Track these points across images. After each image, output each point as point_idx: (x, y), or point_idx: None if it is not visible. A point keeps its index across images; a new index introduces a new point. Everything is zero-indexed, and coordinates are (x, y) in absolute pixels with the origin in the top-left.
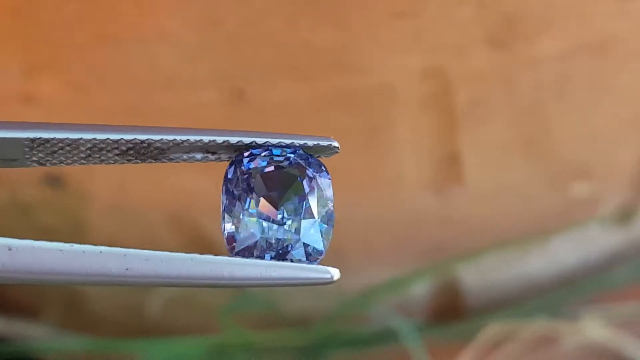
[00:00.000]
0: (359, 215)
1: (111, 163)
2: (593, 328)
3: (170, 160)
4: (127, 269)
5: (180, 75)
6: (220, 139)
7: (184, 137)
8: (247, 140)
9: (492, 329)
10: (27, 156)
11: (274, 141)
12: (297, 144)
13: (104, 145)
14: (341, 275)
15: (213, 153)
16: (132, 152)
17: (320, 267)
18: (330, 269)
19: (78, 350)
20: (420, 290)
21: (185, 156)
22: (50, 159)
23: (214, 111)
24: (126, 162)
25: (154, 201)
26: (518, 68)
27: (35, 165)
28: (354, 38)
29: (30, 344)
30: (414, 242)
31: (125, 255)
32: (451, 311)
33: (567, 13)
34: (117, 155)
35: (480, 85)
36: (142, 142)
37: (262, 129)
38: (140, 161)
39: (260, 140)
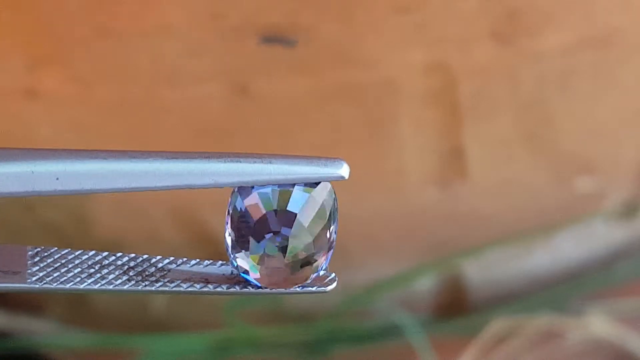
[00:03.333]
0: (362, 210)
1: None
2: (597, 323)
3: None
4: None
5: (183, 69)
6: None
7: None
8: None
9: (496, 324)
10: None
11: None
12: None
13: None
14: (344, 270)
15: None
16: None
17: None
18: (327, 288)
19: (82, 345)
20: (424, 285)
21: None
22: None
23: (217, 105)
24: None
25: (158, 197)
26: (522, 62)
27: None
28: (358, 32)
29: (35, 339)
30: (418, 237)
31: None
32: (455, 306)
33: (571, 7)
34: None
35: (484, 80)
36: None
37: (265, 123)
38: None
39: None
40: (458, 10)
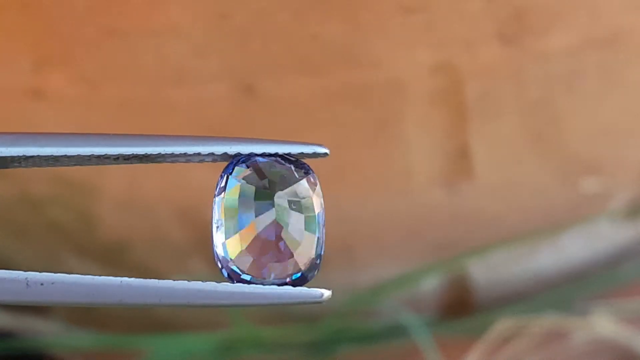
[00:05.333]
0: (368, 211)
1: (107, 165)
2: (603, 323)
3: (167, 162)
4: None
5: (189, 69)
6: (205, 152)
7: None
8: (232, 150)
9: (501, 325)
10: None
11: (259, 151)
12: (281, 153)
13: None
14: (349, 269)
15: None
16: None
17: (310, 291)
18: (321, 290)
19: (88, 345)
20: (430, 285)
21: (182, 159)
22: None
23: (223, 106)
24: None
25: (164, 197)
26: (528, 62)
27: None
28: (364, 32)
29: (40, 339)
30: (424, 237)
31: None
32: (461, 306)
33: (577, 6)
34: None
35: (490, 80)
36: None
37: (271, 123)
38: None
39: (245, 150)
40: (464, 10)
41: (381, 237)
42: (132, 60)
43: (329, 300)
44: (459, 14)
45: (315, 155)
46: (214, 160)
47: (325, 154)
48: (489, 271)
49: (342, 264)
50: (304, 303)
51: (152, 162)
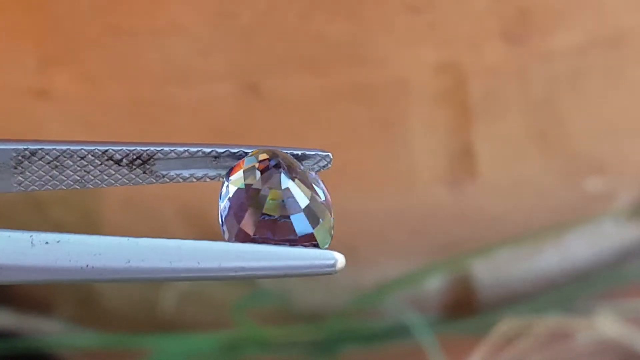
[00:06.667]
0: (372, 210)
1: (112, 183)
2: (606, 323)
3: (171, 179)
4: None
5: (194, 68)
6: (207, 150)
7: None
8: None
9: (505, 324)
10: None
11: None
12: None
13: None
14: (353, 269)
15: (215, 160)
16: (125, 161)
17: (323, 252)
18: (335, 253)
19: (91, 345)
20: (434, 285)
21: (186, 173)
22: (38, 179)
23: (228, 105)
24: (124, 178)
25: (166, 195)
26: (532, 61)
27: (21, 189)
28: (369, 31)
29: (44, 339)
30: (428, 237)
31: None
32: (464, 306)
33: (582, 6)
34: (112, 166)
35: (495, 79)
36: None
37: (276, 122)
38: (140, 179)
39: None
40: (469, 9)
41: (385, 236)
42: (137, 60)
43: (334, 297)
44: (464, 14)
45: (317, 157)
46: (218, 176)
47: (328, 156)
48: (492, 271)
49: (345, 263)
50: (317, 268)
51: (155, 177)
